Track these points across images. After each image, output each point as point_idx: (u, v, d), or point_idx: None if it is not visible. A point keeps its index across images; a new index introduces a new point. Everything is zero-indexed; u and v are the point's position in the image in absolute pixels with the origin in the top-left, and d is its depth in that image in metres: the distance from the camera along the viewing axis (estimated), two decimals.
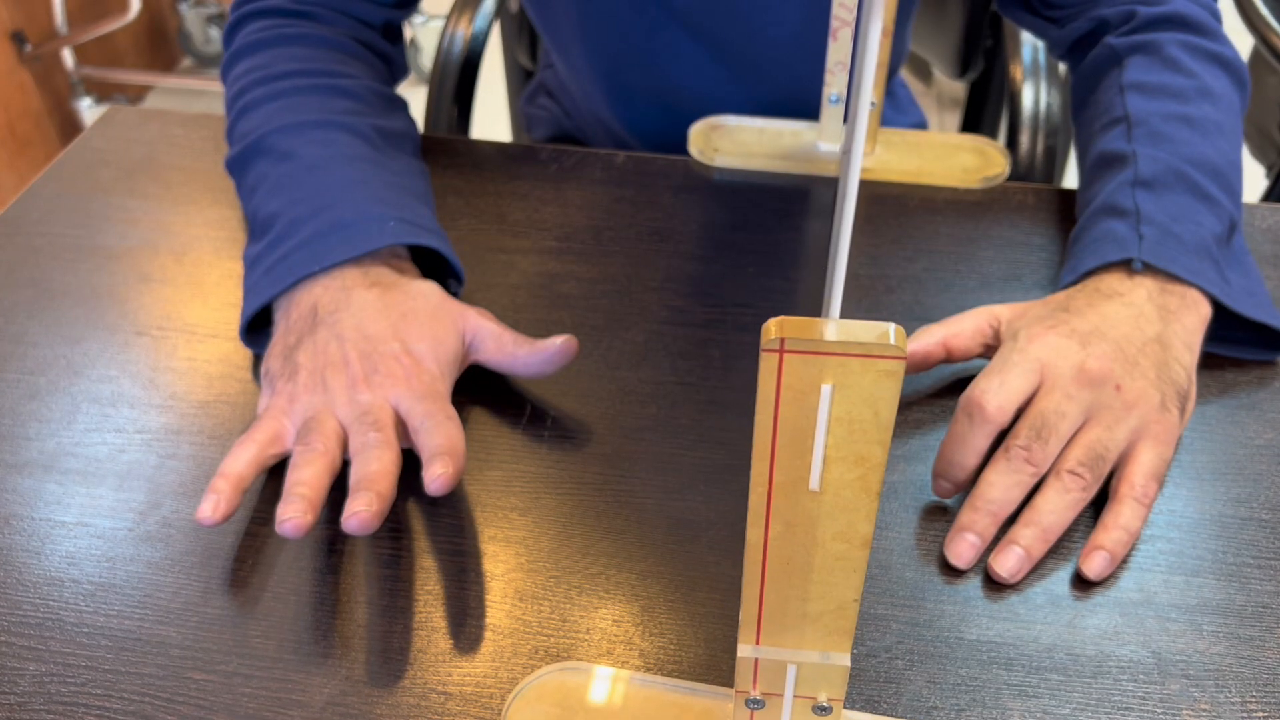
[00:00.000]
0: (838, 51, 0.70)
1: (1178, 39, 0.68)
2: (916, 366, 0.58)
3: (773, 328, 0.31)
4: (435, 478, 0.49)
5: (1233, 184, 0.63)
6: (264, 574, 0.51)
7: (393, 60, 0.76)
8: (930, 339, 0.58)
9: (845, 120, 0.75)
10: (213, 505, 0.49)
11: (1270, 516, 0.53)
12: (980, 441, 0.52)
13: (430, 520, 0.53)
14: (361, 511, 0.47)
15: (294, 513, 0.47)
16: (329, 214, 0.59)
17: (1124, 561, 0.51)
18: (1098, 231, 0.61)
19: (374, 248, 0.59)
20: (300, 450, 0.51)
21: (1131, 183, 0.62)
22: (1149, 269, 0.58)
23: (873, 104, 0.73)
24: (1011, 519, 0.52)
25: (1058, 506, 0.50)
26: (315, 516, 0.48)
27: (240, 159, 0.65)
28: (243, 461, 0.51)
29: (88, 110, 2.13)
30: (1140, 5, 0.71)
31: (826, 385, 0.31)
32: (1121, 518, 0.50)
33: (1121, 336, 0.54)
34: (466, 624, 0.49)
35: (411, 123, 0.72)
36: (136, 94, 2.32)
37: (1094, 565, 0.50)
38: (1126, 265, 0.59)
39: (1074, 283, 0.60)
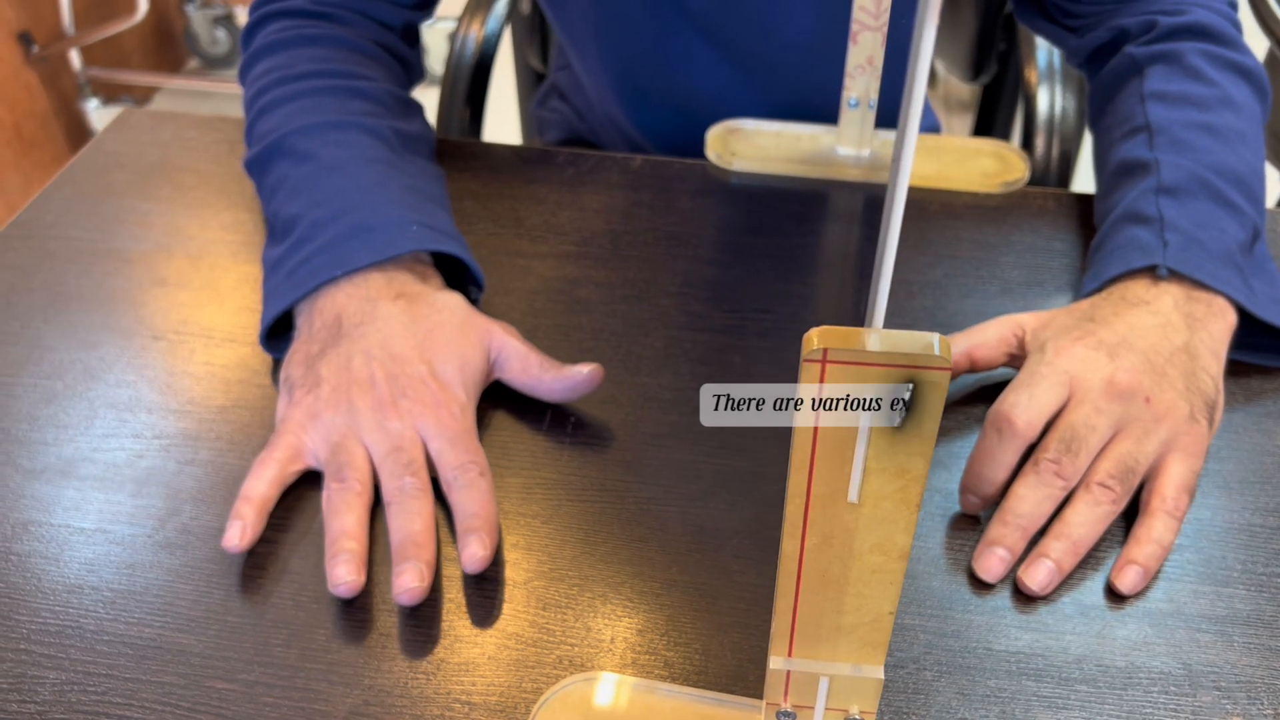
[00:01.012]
0: (858, 55, 0.70)
1: (1199, 48, 0.68)
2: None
3: (815, 338, 0.30)
4: (472, 558, 0.49)
5: (1255, 192, 0.63)
6: (285, 581, 0.50)
7: (410, 63, 0.75)
8: (954, 350, 0.57)
9: (875, 125, 0.74)
10: (239, 532, 0.50)
11: None
12: (1010, 457, 0.51)
13: (446, 531, 0.53)
14: (415, 588, 0.48)
15: (349, 575, 0.48)
16: (351, 217, 0.59)
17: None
18: (1121, 239, 0.61)
19: (396, 253, 0.58)
20: (337, 490, 0.51)
21: (1155, 190, 0.62)
22: (1174, 276, 0.58)
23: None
24: (1040, 531, 0.51)
25: (1088, 519, 0.50)
26: (366, 568, 0.50)
27: (260, 160, 0.65)
28: (265, 482, 0.51)
29: (94, 111, 2.13)
30: (1161, 15, 0.70)
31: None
32: (1154, 531, 0.50)
33: (1149, 347, 0.54)
34: (490, 633, 0.48)
35: (428, 126, 0.72)
36: (143, 95, 2.32)
37: (1127, 579, 0.49)
38: (1151, 272, 0.58)
39: (1098, 290, 0.60)
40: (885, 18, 0.68)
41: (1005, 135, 1.18)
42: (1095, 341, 0.54)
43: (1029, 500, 0.50)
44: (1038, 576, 0.49)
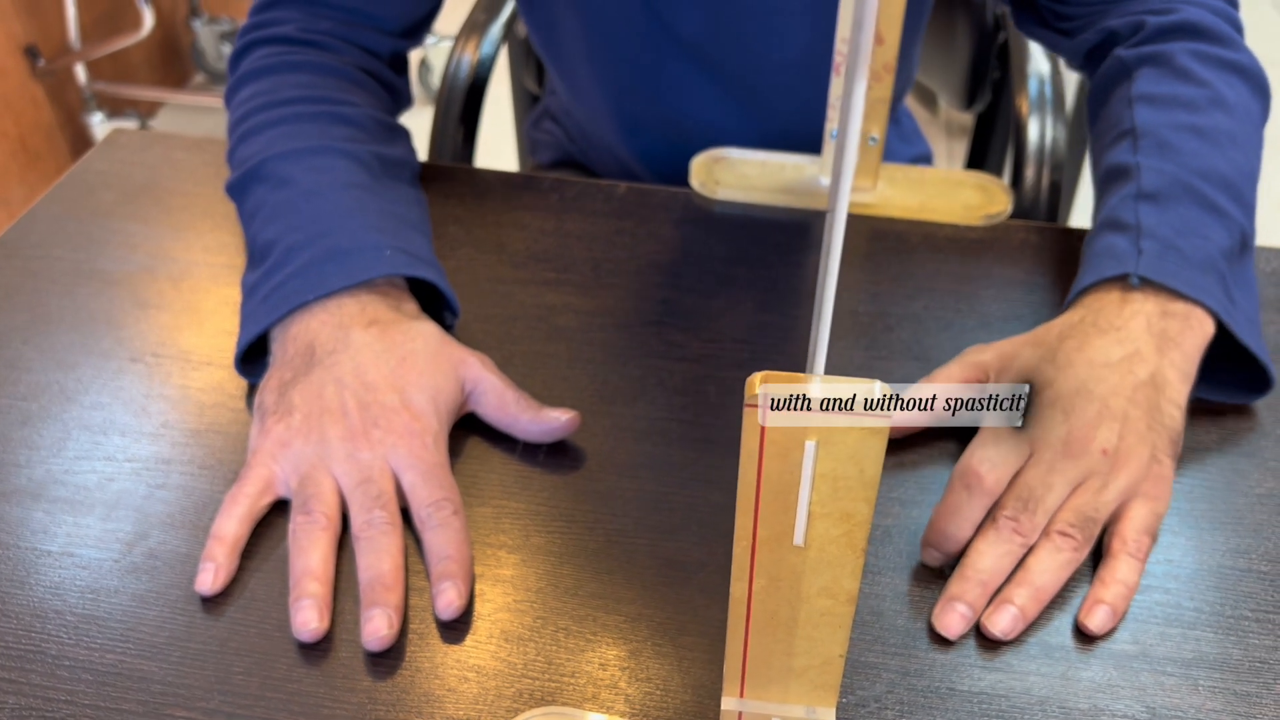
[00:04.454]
0: (839, 86, 0.70)
1: (1189, 48, 0.66)
2: (902, 431, 0.58)
3: (757, 382, 0.30)
4: (448, 605, 0.49)
5: (1245, 196, 0.60)
6: (249, 609, 0.50)
7: (398, 90, 0.75)
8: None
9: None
10: (211, 575, 0.51)
11: (1269, 569, 0.52)
12: (976, 513, 0.51)
13: (415, 559, 0.53)
14: (384, 635, 0.48)
15: (312, 621, 0.48)
16: (325, 241, 0.59)
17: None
18: (1098, 246, 0.60)
19: (370, 277, 0.58)
20: (303, 524, 0.51)
21: (1135, 196, 0.60)
22: (1148, 285, 0.56)
23: (874, 139, 0.73)
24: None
25: (1050, 566, 0.50)
26: (330, 611, 0.50)
27: (240, 184, 0.65)
28: (235, 520, 0.52)
29: (99, 125, 2.14)
30: (1149, 15, 0.68)
31: (810, 442, 0.31)
32: (1118, 573, 0.50)
33: (1109, 391, 0.53)
34: (452, 665, 0.48)
35: (412, 151, 0.72)
36: (148, 110, 2.33)
37: (1096, 619, 0.49)
38: (1125, 281, 0.57)
39: (1074, 301, 0.59)
40: None
41: (999, 164, 1.18)
42: (1052, 395, 0.53)
43: (989, 556, 0.50)
44: (1001, 622, 0.49)
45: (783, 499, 0.32)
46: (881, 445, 0.30)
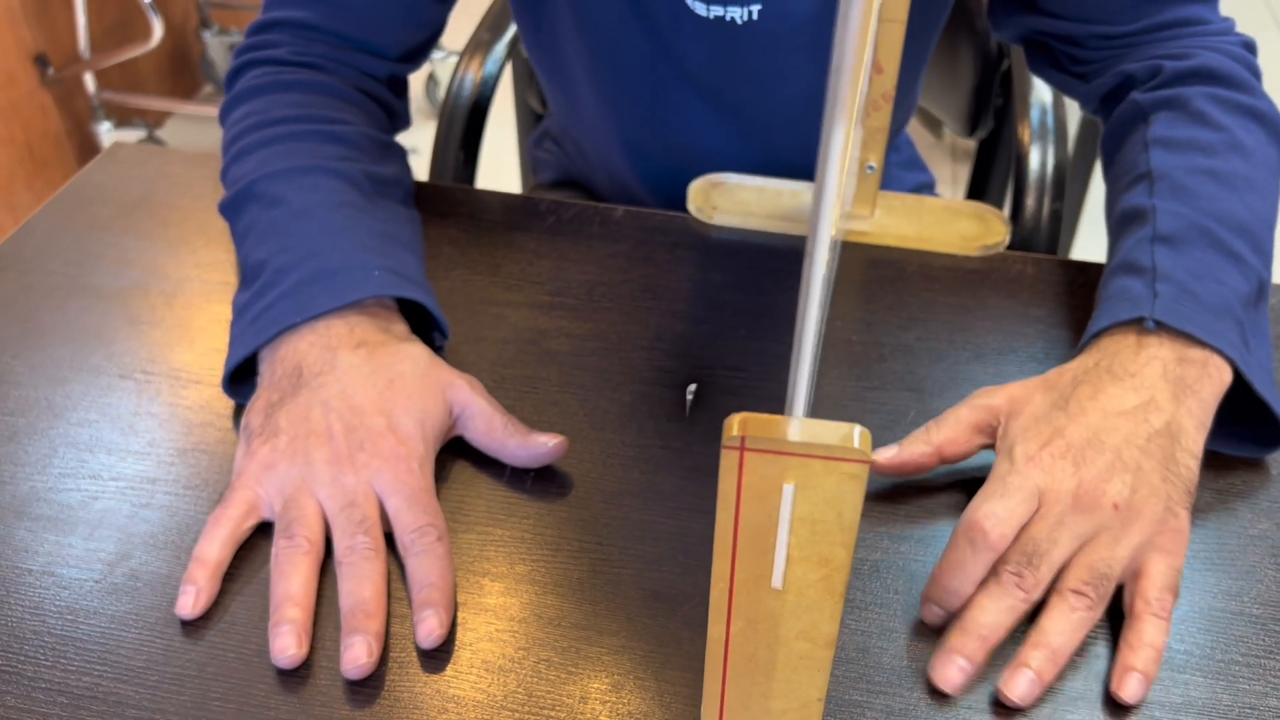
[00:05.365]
0: None
1: (1206, 92, 0.65)
2: (909, 473, 0.56)
3: (735, 424, 0.30)
4: (429, 634, 0.49)
5: (1262, 242, 0.59)
6: (229, 633, 0.50)
7: (394, 110, 0.75)
8: (924, 447, 0.55)
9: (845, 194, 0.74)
10: (192, 599, 0.50)
11: (1262, 611, 0.52)
12: (979, 570, 0.49)
13: (399, 585, 0.52)
14: (364, 664, 0.48)
15: (291, 647, 0.48)
16: (314, 262, 0.59)
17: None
18: (1113, 289, 0.59)
19: (358, 298, 0.58)
20: (285, 548, 0.51)
21: (1150, 239, 0.59)
22: (1164, 329, 0.55)
23: (871, 167, 0.73)
24: (1014, 640, 0.50)
25: (1064, 627, 0.48)
26: (309, 638, 0.49)
27: (232, 204, 0.65)
28: (218, 543, 0.51)
29: (106, 134, 2.15)
30: (1167, 60, 0.68)
31: (789, 485, 0.30)
32: (1145, 635, 0.48)
33: (1122, 441, 0.51)
34: (431, 695, 0.48)
35: (406, 169, 0.72)
36: (156, 119, 2.34)
37: (1130, 689, 0.47)
38: (1140, 325, 0.56)
39: (1088, 344, 0.58)
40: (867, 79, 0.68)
41: (1001, 191, 1.18)
42: (1063, 446, 0.51)
43: (990, 610, 0.48)
44: (1019, 688, 0.47)
45: (761, 542, 0.32)
46: (860, 490, 0.30)
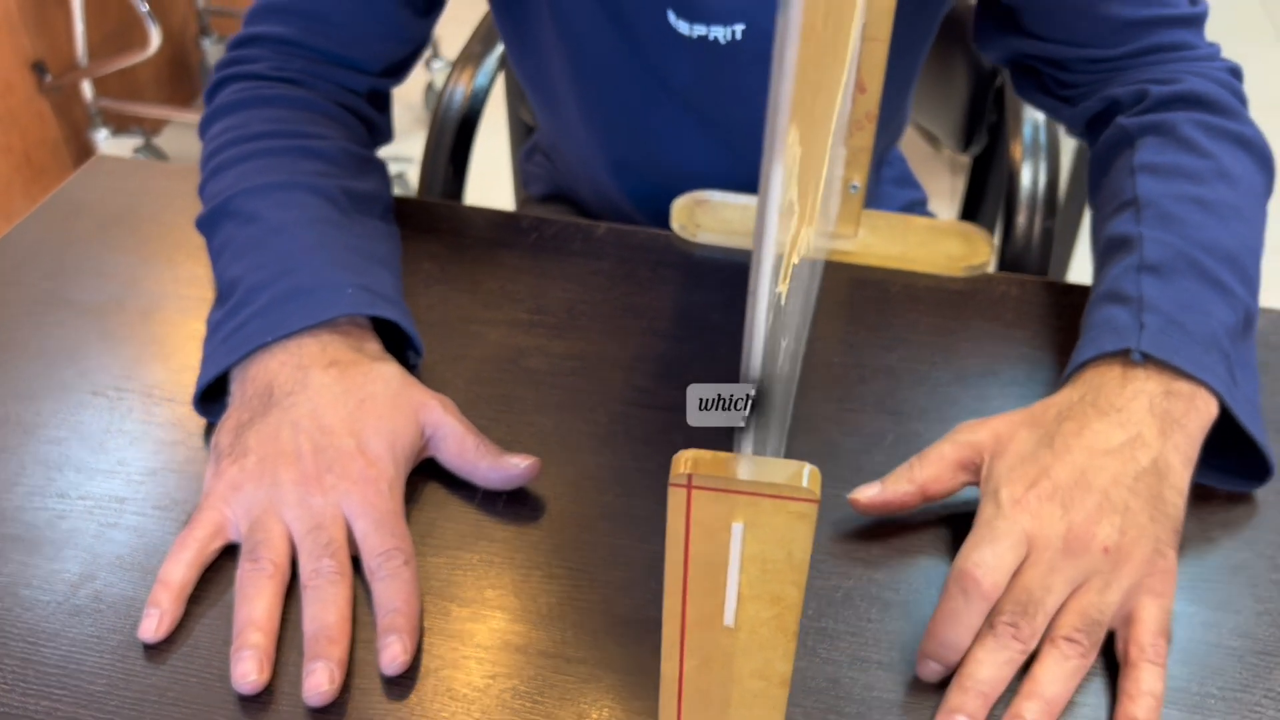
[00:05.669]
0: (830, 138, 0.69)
1: (1193, 118, 0.65)
2: (892, 512, 0.55)
3: (682, 461, 0.29)
4: (392, 660, 0.48)
5: (1249, 272, 0.59)
6: (191, 657, 0.49)
7: (375, 124, 0.75)
8: (908, 486, 0.54)
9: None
10: (155, 622, 0.50)
11: (1239, 644, 0.51)
12: (975, 619, 0.48)
13: (363, 609, 0.51)
14: (325, 691, 0.47)
15: (252, 673, 0.47)
16: (288, 280, 0.58)
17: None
18: (1098, 319, 0.58)
19: (330, 316, 0.58)
20: (250, 571, 0.50)
21: (1137, 267, 0.58)
22: (1150, 361, 0.54)
23: (855, 187, 0.72)
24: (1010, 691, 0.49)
25: (1058, 676, 0.47)
26: (272, 664, 0.48)
27: (209, 219, 0.64)
28: (183, 565, 0.51)
29: (103, 141, 2.15)
30: (1153, 84, 0.67)
31: (738, 524, 0.30)
32: (1144, 684, 0.47)
33: (1109, 481, 0.50)
34: None
35: (386, 184, 0.72)
36: (154, 127, 2.34)
37: None
38: (1126, 356, 0.55)
39: (1073, 376, 0.57)
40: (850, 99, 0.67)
41: (994, 208, 1.18)
42: (1050, 488, 0.50)
43: (988, 665, 0.47)
44: None
45: (711, 580, 0.31)
46: (810, 529, 0.29)
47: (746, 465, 0.29)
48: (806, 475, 0.29)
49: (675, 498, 0.29)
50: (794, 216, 0.32)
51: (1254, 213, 0.62)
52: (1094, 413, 0.53)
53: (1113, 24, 0.68)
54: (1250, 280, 0.59)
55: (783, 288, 0.31)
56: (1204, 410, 0.54)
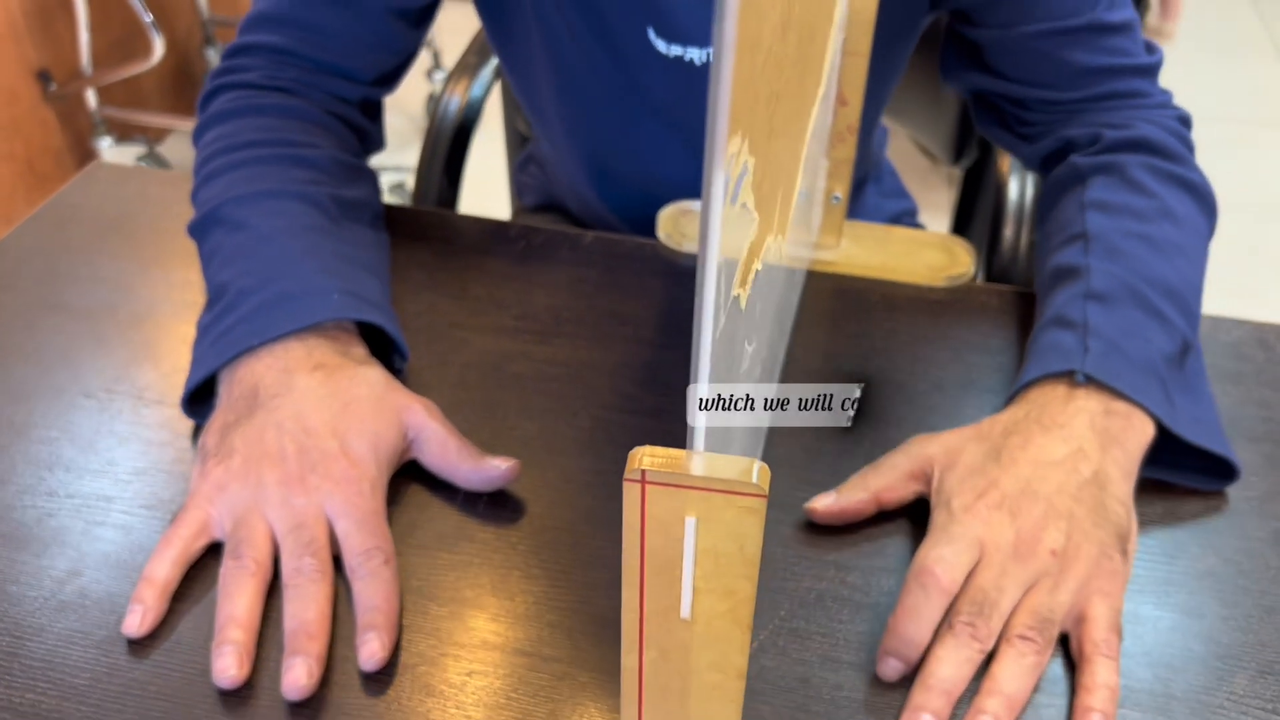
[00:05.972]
0: (811, 148, 0.70)
1: (1143, 161, 0.68)
2: (848, 520, 0.57)
3: (637, 457, 0.30)
4: (370, 657, 0.49)
5: (1189, 305, 0.62)
6: (174, 653, 0.50)
7: (367, 134, 0.76)
8: (862, 494, 0.56)
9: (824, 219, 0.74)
10: (139, 618, 0.51)
11: (1203, 649, 0.52)
12: (935, 614, 0.50)
13: (344, 607, 0.52)
14: (303, 685, 0.48)
15: (232, 669, 0.48)
16: (275, 285, 0.60)
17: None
18: (1045, 342, 0.61)
19: (316, 320, 0.59)
20: (232, 569, 0.51)
21: (1084, 295, 0.61)
22: (1092, 383, 0.57)
23: (837, 198, 0.73)
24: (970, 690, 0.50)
25: (1016, 673, 0.49)
26: (251, 660, 0.49)
27: (200, 226, 0.66)
28: (168, 563, 0.52)
29: (106, 150, 2.17)
30: (1107, 129, 0.71)
31: (690, 518, 0.31)
32: (1099, 676, 0.49)
33: (1054, 490, 0.53)
34: (370, 718, 0.48)
35: (375, 192, 0.73)
36: (156, 136, 2.36)
37: None
38: (1070, 378, 0.58)
39: (1019, 393, 0.59)
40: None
41: (985, 220, 1.19)
42: (998, 497, 0.53)
43: (948, 663, 0.49)
44: None
45: (668, 573, 0.32)
46: (759, 523, 0.30)
47: (699, 461, 0.30)
48: (756, 471, 0.30)
49: (630, 492, 0.30)
50: (752, 223, 0.33)
51: (1196, 251, 0.66)
52: (1038, 428, 0.56)
53: (1073, 69, 0.71)
54: (1190, 313, 0.62)
55: (740, 291, 0.32)
56: (1140, 429, 0.56)
